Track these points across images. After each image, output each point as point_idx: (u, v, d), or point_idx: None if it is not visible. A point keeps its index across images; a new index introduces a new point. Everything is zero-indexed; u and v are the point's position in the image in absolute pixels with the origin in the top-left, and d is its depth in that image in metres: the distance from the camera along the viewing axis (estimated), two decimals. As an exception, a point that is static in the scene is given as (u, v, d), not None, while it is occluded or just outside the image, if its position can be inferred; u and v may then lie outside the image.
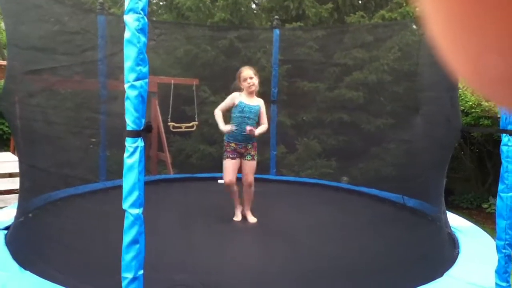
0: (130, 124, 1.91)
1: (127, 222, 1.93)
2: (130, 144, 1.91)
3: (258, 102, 4.13)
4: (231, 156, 4.00)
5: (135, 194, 1.91)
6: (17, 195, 3.72)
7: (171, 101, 5.97)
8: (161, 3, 9.07)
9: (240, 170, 4.07)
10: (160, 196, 4.90)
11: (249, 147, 4.07)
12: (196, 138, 6.97)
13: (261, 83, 6.61)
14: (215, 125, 6.65)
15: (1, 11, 3.46)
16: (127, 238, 1.93)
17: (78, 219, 3.52)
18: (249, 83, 4.03)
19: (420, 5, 0.28)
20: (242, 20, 7.18)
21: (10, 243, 2.94)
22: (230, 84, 6.87)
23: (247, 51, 6.80)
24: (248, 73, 4.08)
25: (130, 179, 1.91)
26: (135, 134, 1.91)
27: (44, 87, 4.00)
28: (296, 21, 6.94)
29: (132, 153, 1.91)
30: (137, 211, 1.92)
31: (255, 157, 4.13)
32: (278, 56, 6.27)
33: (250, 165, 4.08)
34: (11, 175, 5.50)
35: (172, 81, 6.15)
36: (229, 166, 3.99)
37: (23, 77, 3.48)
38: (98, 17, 5.02)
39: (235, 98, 4.03)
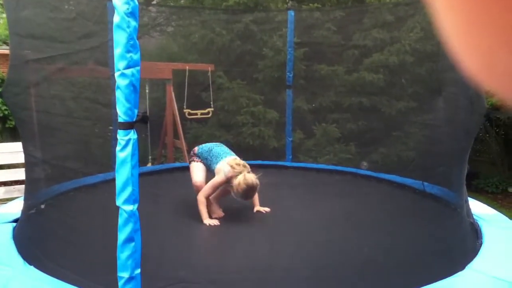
0: (121, 116, 1.80)
1: (121, 219, 1.83)
2: (122, 137, 1.80)
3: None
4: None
5: (129, 190, 1.81)
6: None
7: (186, 88, 5.87)
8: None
9: None
10: (174, 185, 4.84)
11: None
12: (212, 124, 6.89)
13: (277, 67, 6.58)
14: (232, 111, 6.68)
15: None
16: (121, 236, 1.84)
17: (87, 212, 3.47)
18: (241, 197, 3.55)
19: (432, 1, 0.28)
20: (258, 3, 7.00)
21: (16, 237, 2.90)
22: (246, 69, 6.85)
23: (262, 34, 6.63)
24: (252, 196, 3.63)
25: (123, 174, 1.80)
26: (127, 126, 1.80)
27: (50, 76, 3.94)
28: (313, 2, 6.72)
29: (125, 146, 1.80)
30: (131, 207, 1.82)
31: None
32: (294, 39, 6.08)
33: None
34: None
35: (187, 67, 6.03)
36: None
37: (29, 67, 3.41)
38: (107, 4, 4.91)
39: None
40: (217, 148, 3.86)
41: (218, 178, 3.62)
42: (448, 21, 0.28)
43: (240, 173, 3.46)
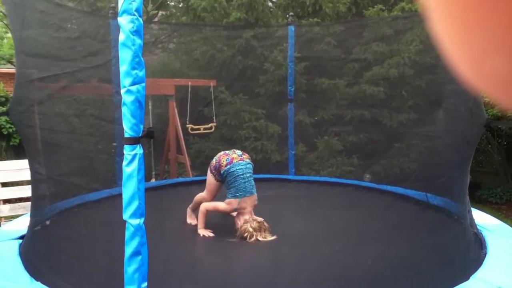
0: (127, 131, 1.84)
1: (128, 233, 1.86)
2: (128, 151, 1.84)
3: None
4: None
5: (135, 204, 1.84)
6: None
7: (188, 103, 5.93)
8: (179, 5, 9.12)
9: None
10: (178, 200, 4.86)
11: None
12: (215, 139, 6.93)
13: (278, 81, 6.65)
14: (234, 125, 6.72)
15: (8, 18, 3.42)
16: (128, 249, 1.86)
17: (92, 227, 3.49)
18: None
19: (426, 5, 0.28)
20: (258, 19, 7.09)
21: (22, 253, 2.92)
22: (247, 84, 6.92)
23: (263, 49, 6.71)
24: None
25: (130, 188, 1.84)
26: (133, 141, 1.84)
27: (55, 94, 3.99)
28: (313, 17, 6.80)
29: (131, 161, 1.83)
30: (137, 221, 1.85)
31: None
32: (294, 54, 6.15)
33: None
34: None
35: (189, 83, 6.10)
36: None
37: (34, 85, 3.46)
38: (111, 22, 4.99)
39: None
40: (242, 181, 3.60)
41: (224, 208, 3.70)
42: (442, 26, 0.28)
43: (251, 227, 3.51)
